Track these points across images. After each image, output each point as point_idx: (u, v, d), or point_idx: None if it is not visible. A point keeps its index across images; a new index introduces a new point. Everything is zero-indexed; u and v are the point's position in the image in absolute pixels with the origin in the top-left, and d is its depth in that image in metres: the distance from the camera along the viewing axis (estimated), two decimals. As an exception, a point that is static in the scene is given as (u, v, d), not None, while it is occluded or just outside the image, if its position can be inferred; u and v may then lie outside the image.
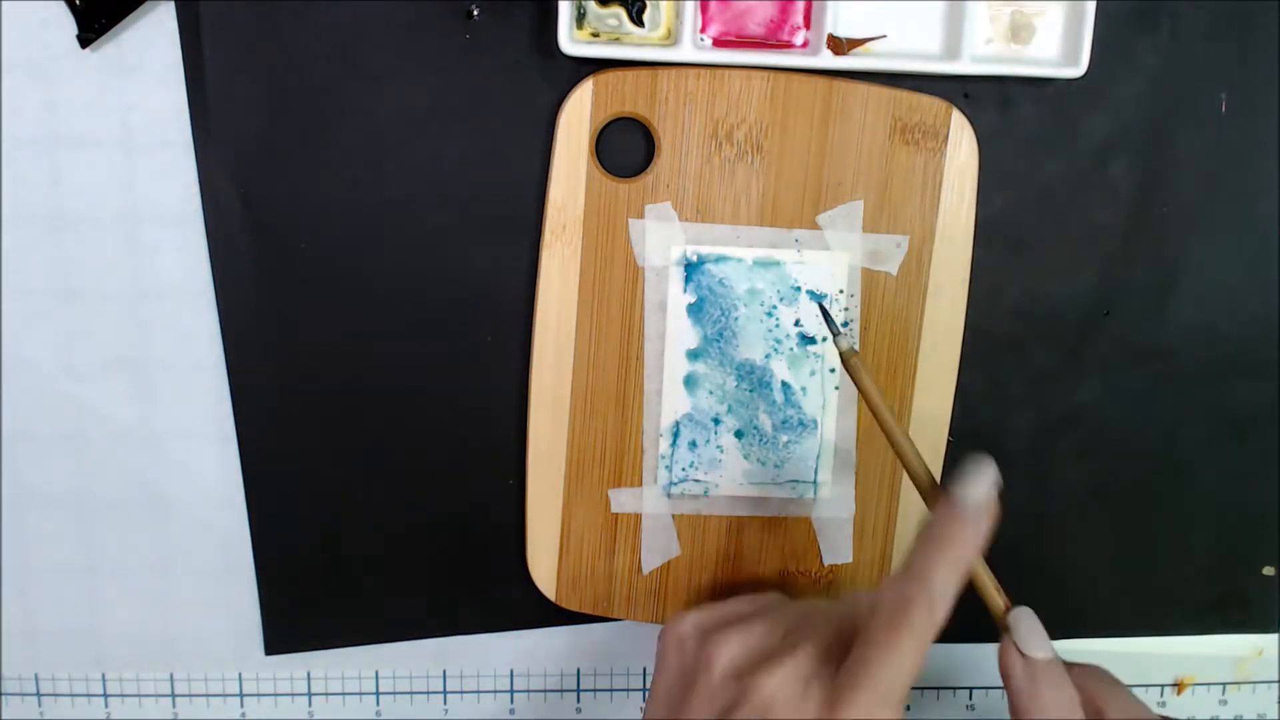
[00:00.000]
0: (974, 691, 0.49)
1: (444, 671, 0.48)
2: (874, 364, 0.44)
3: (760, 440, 0.45)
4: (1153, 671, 0.50)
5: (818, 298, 0.43)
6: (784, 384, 0.44)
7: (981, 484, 0.36)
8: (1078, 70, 0.42)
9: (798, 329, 0.44)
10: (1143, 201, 0.45)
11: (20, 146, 0.43)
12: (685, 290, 0.43)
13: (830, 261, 0.43)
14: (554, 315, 0.43)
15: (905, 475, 0.45)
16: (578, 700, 0.48)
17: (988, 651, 0.49)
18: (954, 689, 0.49)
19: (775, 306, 0.44)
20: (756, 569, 0.46)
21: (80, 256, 0.44)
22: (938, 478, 0.46)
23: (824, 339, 0.44)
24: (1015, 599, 0.39)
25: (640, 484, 0.45)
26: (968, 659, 0.49)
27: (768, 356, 0.44)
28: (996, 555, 0.48)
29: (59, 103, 0.43)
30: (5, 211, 0.43)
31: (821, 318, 0.42)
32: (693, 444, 0.44)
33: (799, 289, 0.44)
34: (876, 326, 0.44)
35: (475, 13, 0.42)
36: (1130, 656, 0.49)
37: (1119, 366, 0.46)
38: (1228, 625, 0.49)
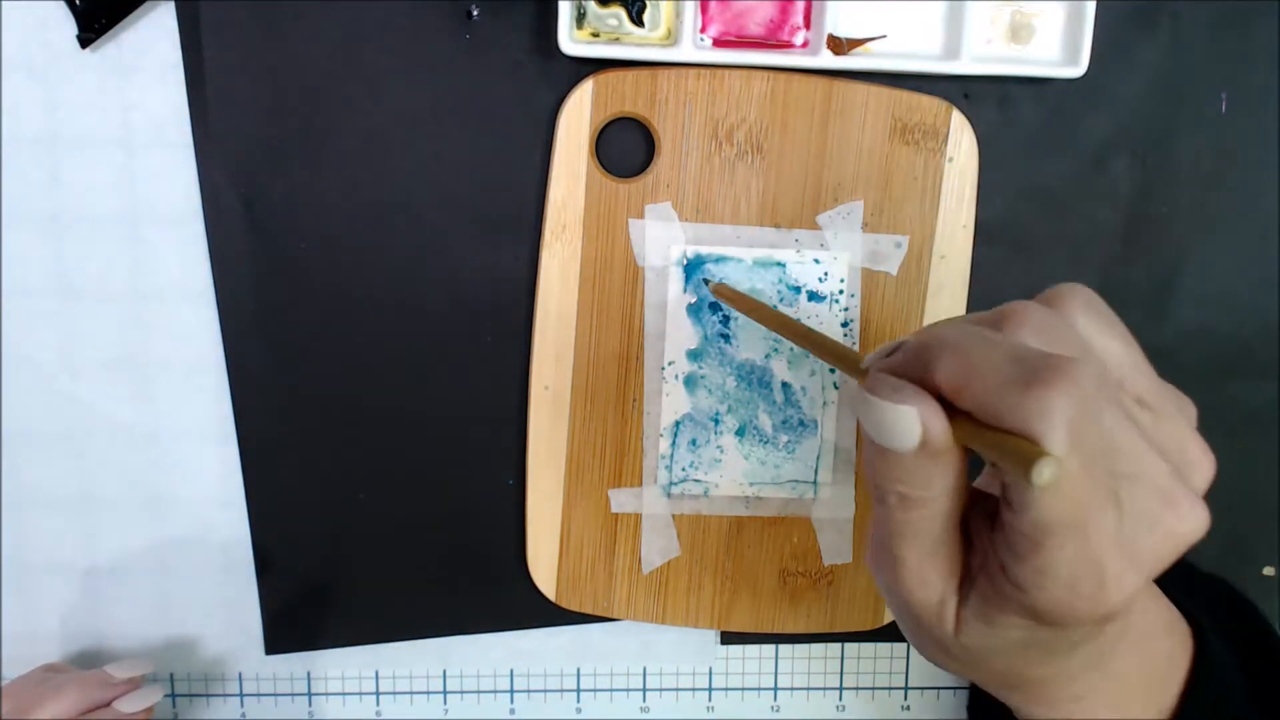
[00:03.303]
0: (974, 691, 0.49)
1: (444, 671, 0.48)
2: (874, 364, 0.44)
3: (760, 440, 0.45)
4: (1153, 671, 0.50)
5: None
6: (784, 384, 0.44)
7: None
8: (1078, 70, 0.42)
9: (798, 329, 0.44)
10: (1143, 201, 0.45)
11: (20, 146, 0.43)
12: (685, 290, 0.43)
13: (830, 261, 0.43)
14: (554, 315, 0.43)
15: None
16: (578, 700, 0.48)
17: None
18: (954, 689, 0.49)
19: (775, 307, 0.44)
20: (756, 569, 0.46)
21: (80, 256, 0.44)
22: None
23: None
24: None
25: (640, 484, 0.45)
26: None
27: (768, 356, 0.44)
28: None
29: (59, 103, 0.43)
30: (5, 211, 0.43)
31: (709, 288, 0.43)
32: (693, 444, 0.44)
33: (799, 289, 0.44)
34: (876, 326, 0.44)
35: (475, 13, 0.42)
36: (1130, 656, 0.49)
37: (1119, 366, 0.46)
38: (1227, 625, 0.49)
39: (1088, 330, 0.29)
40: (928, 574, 0.29)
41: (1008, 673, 0.31)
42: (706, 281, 0.43)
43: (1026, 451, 0.24)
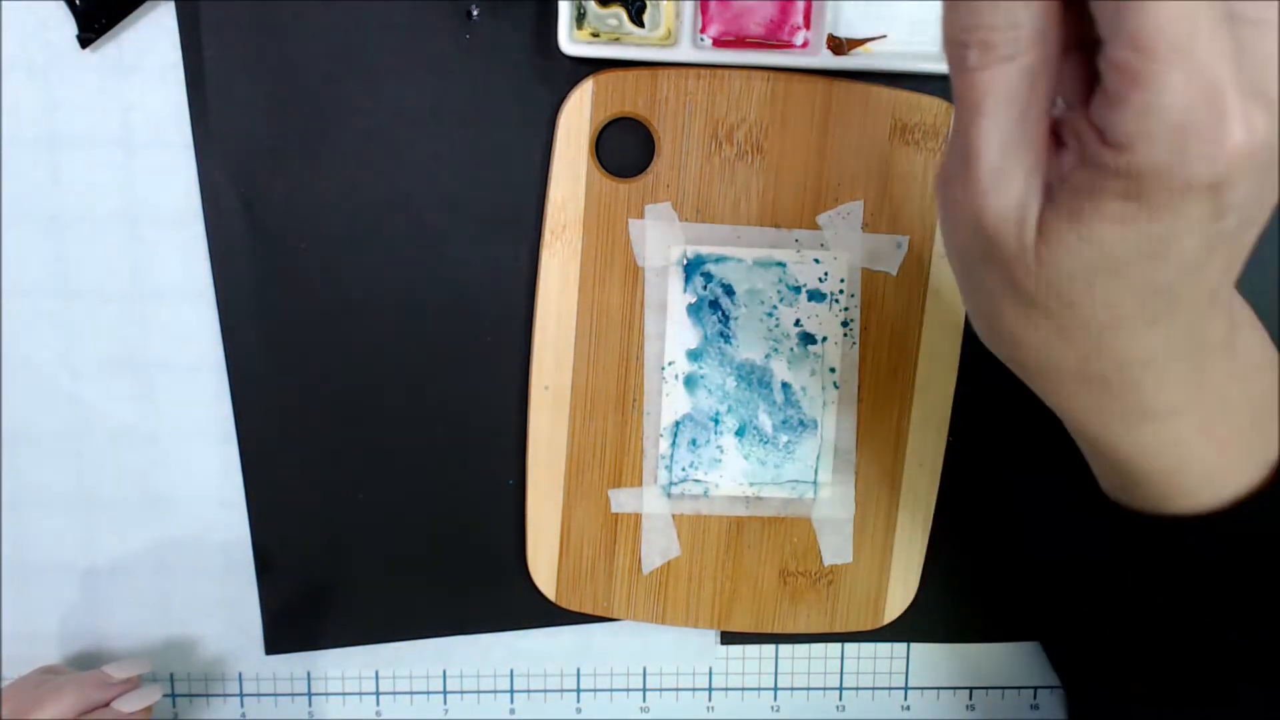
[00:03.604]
0: (974, 692, 0.49)
1: (444, 671, 0.48)
2: (874, 364, 0.44)
3: (760, 440, 0.45)
4: (1153, 671, 0.50)
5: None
6: (784, 384, 0.44)
7: None
8: (1078, 70, 0.42)
9: (798, 329, 0.44)
10: (1143, 201, 0.45)
11: (20, 146, 0.43)
12: (685, 290, 0.43)
13: (830, 261, 0.43)
14: (554, 315, 0.43)
15: (906, 473, 0.45)
16: (578, 700, 0.48)
17: (988, 651, 0.49)
18: (954, 689, 0.49)
19: (775, 306, 0.44)
20: (756, 569, 0.46)
21: (80, 256, 0.44)
22: (937, 475, 0.46)
23: (824, 339, 0.44)
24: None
25: (640, 484, 0.45)
26: (969, 659, 0.49)
27: (768, 356, 0.44)
28: (997, 554, 0.48)
29: (59, 103, 0.43)
30: (5, 211, 0.43)
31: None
32: (693, 444, 0.44)
33: (799, 289, 0.44)
34: (876, 326, 0.44)
35: (475, 13, 0.42)
36: (1130, 656, 0.49)
37: (1119, 366, 0.46)
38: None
39: None
40: (1008, 166, 0.24)
41: (1098, 340, 0.26)
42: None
43: None
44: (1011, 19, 0.23)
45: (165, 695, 0.47)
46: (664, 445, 0.44)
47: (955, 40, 0.24)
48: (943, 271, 0.44)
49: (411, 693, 0.48)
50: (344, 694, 0.48)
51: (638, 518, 0.45)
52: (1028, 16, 0.23)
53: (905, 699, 0.49)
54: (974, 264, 0.26)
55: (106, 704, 0.42)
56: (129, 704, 0.42)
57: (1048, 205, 0.24)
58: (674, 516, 0.45)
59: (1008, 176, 0.24)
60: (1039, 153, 0.24)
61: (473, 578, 0.46)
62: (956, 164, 0.25)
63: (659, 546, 0.45)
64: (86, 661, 0.47)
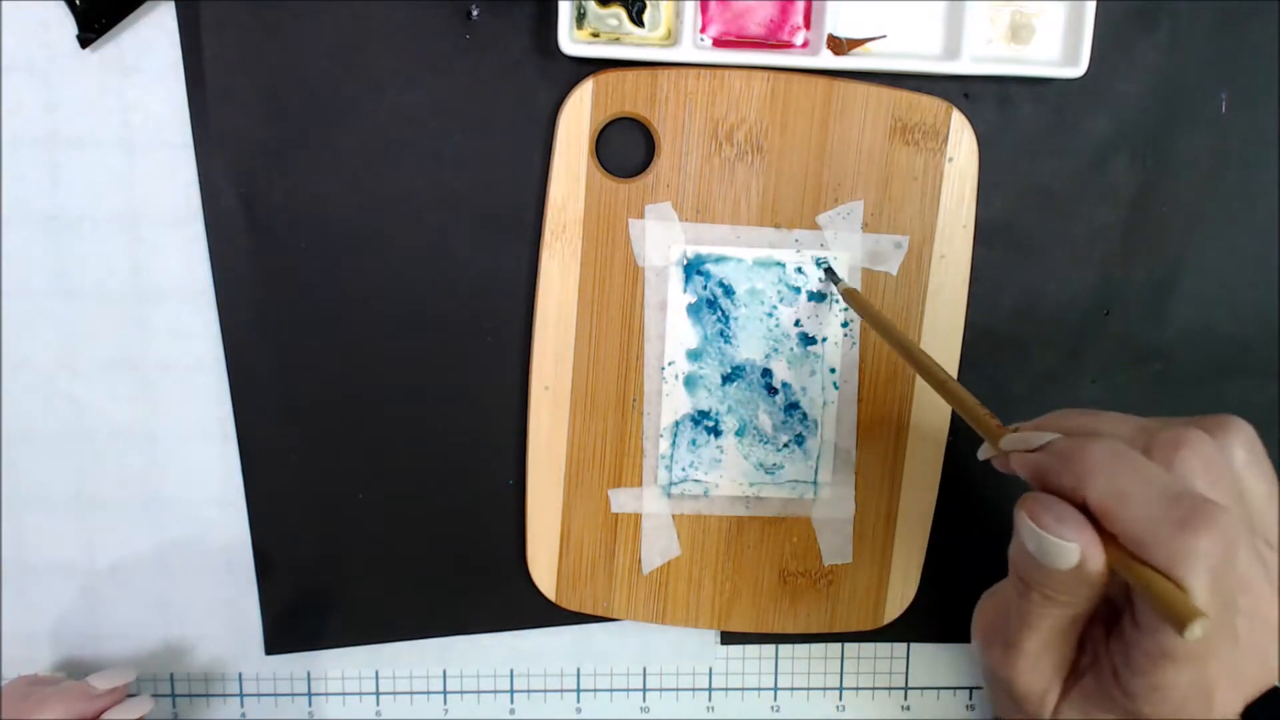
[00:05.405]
0: (974, 691, 0.49)
1: (444, 671, 0.48)
2: (874, 364, 0.44)
3: (760, 440, 0.45)
4: (1153, 671, 0.49)
5: (821, 263, 0.43)
6: (784, 384, 0.44)
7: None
8: (1078, 70, 0.42)
9: (798, 329, 0.44)
10: (1143, 201, 0.45)
11: (20, 146, 0.43)
12: (685, 290, 0.43)
13: (830, 261, 0.43)
14: (554, 315, 0.43)
15: (906, 474, 0.45)
16: (578, 700, 0.48)
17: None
18: (954, 689, 0.49)
19: (775, 306, 0.44)
20: (756, 569, 0.46)
21: (80, 256, 0.44)
22: (937, 475, 0.46)
23: (824, 339, 0.44)
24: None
25: (640, 484, 0.45)
26: (969, 659, 0.49)
27: (768, 356, 0.44)
28: (997, 554, 0.48)
29: (59, 103, 0.43)
30: (5, 211, 0.43)
31: (825, 276, 0.43)
32: (693, 444, 0.44)
33: (799, 289, 0.44)
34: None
35: (475, 13, 0.42)
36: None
37: (1119, 366, 0.46)
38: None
39: (1244, 469, 0.30)
40: (1042, 664, 0.30)
41: None
42: (832, 275, 0.43)
43: (1179, 604, 0.25)
44: (1072, 591, 0.28)
45: (165, 696, 0.47)
46: (664, 445, 0.44)
47: (1024, 579, 0.29)
48: (943, 271, 0.44)
49: (411, 693, 0.48)
50: (344, 694, 0.48)
51: (638, 518, 0.45)
52: (1086, 591, 0.28)
53: (905, 699, 0.49)
54: (998, 696, 0.33)
55: (96, 716, 0.42)
56: (120, 714, 0.42)
57: (1064, 697, 0.30)
58: (674, 516, 0.45)
59: (1038, 669, 0.30)
60: (1066, 656, 0.30)
61: (473, 578, 0.46)
62: (1000, 638, 0.31)
63: (659, 546, 0.45)
64: (85, 663, 0.47)
